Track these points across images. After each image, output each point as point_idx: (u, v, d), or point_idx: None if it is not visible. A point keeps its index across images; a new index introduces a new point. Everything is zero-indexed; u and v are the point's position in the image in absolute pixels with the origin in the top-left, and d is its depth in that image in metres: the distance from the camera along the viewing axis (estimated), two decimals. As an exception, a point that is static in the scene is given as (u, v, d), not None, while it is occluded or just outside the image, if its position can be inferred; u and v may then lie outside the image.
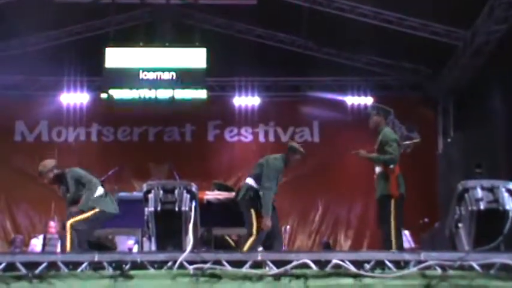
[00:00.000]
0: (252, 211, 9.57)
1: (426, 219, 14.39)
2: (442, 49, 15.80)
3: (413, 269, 6.23)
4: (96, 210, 9.16)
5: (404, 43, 15.89)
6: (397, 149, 9.34)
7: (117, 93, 16.40)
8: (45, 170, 9.56)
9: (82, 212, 9.11)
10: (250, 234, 9.47)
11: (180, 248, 7.82)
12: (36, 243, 13.65)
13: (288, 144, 10.30)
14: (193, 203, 8.36)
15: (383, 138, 9.42)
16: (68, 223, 9.02)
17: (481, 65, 15.25)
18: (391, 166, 9.21)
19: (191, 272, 6.15)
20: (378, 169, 9.37)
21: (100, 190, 9.32)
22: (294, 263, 6.20)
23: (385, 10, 15.33)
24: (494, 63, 14.56)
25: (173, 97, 16.27)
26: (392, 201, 9.05)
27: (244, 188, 9.81)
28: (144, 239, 9.75)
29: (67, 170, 9.57)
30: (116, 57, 16.24)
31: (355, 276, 6.01)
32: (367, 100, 17.64)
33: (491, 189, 7.93)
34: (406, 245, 13.31)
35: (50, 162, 9.67)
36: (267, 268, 6.48)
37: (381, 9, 15.32)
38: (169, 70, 16.21)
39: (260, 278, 6.03)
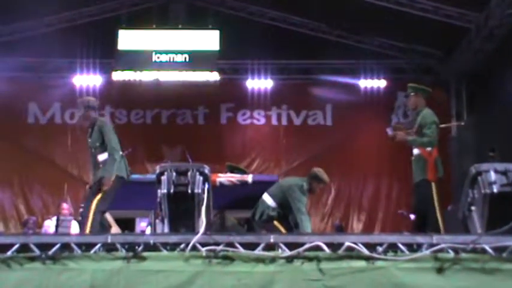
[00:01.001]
0: (275, 222, 9.58)
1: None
2: (454, 32, 15.74)
3: (425, 252, 6.24)
4: (113, 178, 9.09)
5: (417, 26, 15.83)
6: (436, 131, 9.25)
7: (130, 75, 16.45)
8: (87, 104, 9.41)
9: (100, 184, 9.00)
10: None
11: (193, 230, 7.83)
12: (50, 225, 13.70)
13: (312, 172, 10.11)
14: (206, 185, 8.36)
15: (422, 120, 9.30)
16: (94, 204, 8.93)
17: (494, 48, 15.19)
18: (429, 149, 9.14)
19: (204, 254, 6.17)
20: (415, 151, 9.27)
21: (118, 155, 9.23)
22: (307, 246, 6.21)
23: (398, -7, 15.28)
24: (508, 47, 14.50)
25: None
26: (433, 186, 9.00)
27: (261, 207, 9.75)
28: (157, 221, 9.77)
29: (100, 119, 9.48)
30: (128, 40, 16.28)
31: (367, 258, 6.03)
32: (380, 83, 17.65)
33: (504, 173, 7.89)
34: (418, 228, 13.31)
35: (95, 102, 9.53)
36: (280, 250, 6.50)
37: (394, -9, 15.28)
38: (182, 52, 16.25)
39: (273, 260, 6.05)
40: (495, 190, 7.74)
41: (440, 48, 17.23)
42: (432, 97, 9.80)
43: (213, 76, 16.33)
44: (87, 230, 8.70)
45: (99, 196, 8.93)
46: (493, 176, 7.81)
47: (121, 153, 9.18)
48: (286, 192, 9.74)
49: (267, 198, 9.79)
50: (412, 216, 13.68)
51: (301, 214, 9.60)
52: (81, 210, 13.49)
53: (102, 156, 9.26)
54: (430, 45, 17.18)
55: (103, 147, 9.21)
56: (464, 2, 14.78)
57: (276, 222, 9.65)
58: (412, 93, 9.55)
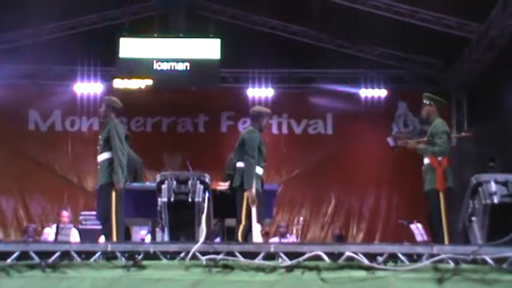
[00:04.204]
0: (245, 194, 9.44)
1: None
2: (455, 42, 15.76)
3: (426, 262, 6.23)
4: (122, 181, 9.10)
5: (418, 36, 15.87)
6: (447, 141, 9.30)
7: (131, 83, 16.45)
8: (109, 103, 9.64)
9: (110, 190, 9.02)
10: (240, 222, 9.28)
11: (193, 239, 7.84)
12: (49, 233, 13.71)
13: (251, 112, 10.04)
14: (207, 194, 8.38)
15: (433, 130, 9.38)
16: (113, 215, 8.91)
17: (495, 59, 15.21)
18: (439, 158, 9.17)
19: (204, 262, 6.17)
20: (426, 161, 9.32)
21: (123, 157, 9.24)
22: (307, 255, 6.21)
23: (398, 3, 15.27)
24: (508, 57, 14.51)
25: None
26: (441, 195, 9.00)
27: (238, 173, 9.63)
28: (157, 229, 9.76)
29: (115, 120, 9.54)
30: (130, 48, 16.27)
31: (367, 268, 6.02)
32: (381, 92, 17.65)
33: (505, 183, 7.92)
34: (418, 238, 13.33)
35: (118, 103, 9.69)
36: (280, 260, 6.50)
37: (394, 1, 15.27)
38: (183, 61, 16.23)
39: (273, 269, 6.04)
40: (496, 201, 7.77)
41: (441, 58, 17.27)
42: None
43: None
44: (114, 238, 8.70)
45: (113, 203, 8.92)
46: (493, 186, 7.85)
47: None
48: (242, 144, 9.62)
49: (239, 164, 9.64)
50: (412, 226, 13.76)
51: (248, 157, 9.45)
52: (81, 217, 13.62)
53: (101, 157, 9.32)
54: (431, 55, 17.21)
55: (105, 148, 9.26)
56: (465, 12, 14.79)
57: (245, 194, 9.43)
58: (426, 103, 9.59)
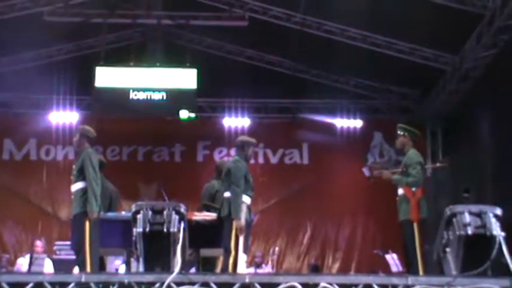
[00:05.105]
0: (234, 224, 9.44)
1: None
2: (430, 73, 15.88)
3: (401, 294, 6.24)
4: (96, 210, 9.07)
5: (393, 67, 15.96)
6: (421, 172, 9.35)
7: (107, 112, 16.38)
8: (83, 133, 9.58)
9: (84, 220, 8.97)
10: (229, 252, 9.27)
11: (168, 269, 7.79)
12: (23, 263, 13.55)
13: (238, 142, 10.09)
14: (182, 224, 8.34)
15: (407, 161, 9.46)
16: (87, 245, 8.85)
17: (469, 90, 15.32)
18: (414, 189, 9.22)
19: (179, 293, 6.15)
20: (400, 191, 9.38)
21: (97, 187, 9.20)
22: (282, 286, 6.20)
23: (374, 34, 15.39)
24: (482, 89, 14.64)
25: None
26: (415, 226, 9.04)
27: (225, 203, 9.66)
28: (132, 259, 9.70)
29: (89, 149, 9.47)
30: (106, 77, 16.17)
31: (343, 299, 6.03)
32: (356, 123, 17.72)
33: (479, 215, 7.95)
34: (393, 268, 13.33)
35: (92, 132, 9.64)
36: (255, 291, 6.48)
37: (371, 32, 15.38)
38: (159, 90, 16.18)
39: (248, 300, 6.04)
40: (470, 232, 7.79)
41: (417, 89, 17.39)
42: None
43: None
44: (88, 269, 8.63)
45: (87, 232, 8.86)
46: (467, 217, 7.87)
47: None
48: (228, 173, 9.65)
49: (226, 194, 9.65)
50: (388, 256, 13.77)
51: (234, 186, 9.47)
52: (55, 247, 13.50)
53: (75, 186, 9.27)
54: (407, 85, 17.34)
55: (79, 177, 9.22)
56: (440, 44, 14.93)
57: (234, 224, 9.43)
58: (400, 134, 9.66)
